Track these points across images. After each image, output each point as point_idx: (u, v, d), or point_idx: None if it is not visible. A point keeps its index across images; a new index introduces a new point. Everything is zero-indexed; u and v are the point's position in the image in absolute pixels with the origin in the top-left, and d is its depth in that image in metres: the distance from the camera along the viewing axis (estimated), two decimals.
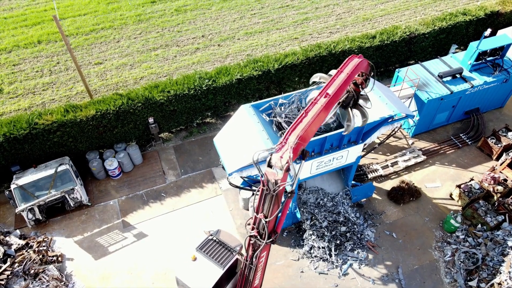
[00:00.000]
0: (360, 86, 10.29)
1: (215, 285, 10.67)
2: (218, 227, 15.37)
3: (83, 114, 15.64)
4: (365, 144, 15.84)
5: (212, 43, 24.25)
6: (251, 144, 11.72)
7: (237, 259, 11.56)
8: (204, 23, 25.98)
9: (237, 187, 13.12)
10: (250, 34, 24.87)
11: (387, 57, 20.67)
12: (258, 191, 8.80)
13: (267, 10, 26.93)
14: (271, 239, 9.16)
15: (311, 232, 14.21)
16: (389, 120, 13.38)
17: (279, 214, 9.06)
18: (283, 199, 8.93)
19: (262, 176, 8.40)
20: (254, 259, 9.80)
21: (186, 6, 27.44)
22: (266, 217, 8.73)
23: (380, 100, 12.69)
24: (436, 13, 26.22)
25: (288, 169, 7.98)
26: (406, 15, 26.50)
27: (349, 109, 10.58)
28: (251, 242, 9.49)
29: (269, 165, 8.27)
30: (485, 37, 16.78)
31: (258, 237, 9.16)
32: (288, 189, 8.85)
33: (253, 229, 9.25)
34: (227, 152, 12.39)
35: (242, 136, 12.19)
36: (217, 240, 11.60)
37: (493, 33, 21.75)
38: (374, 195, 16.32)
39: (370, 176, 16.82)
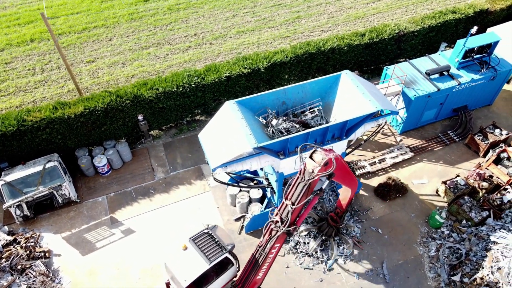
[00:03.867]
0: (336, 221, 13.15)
1: (199, 278, 10.77)
2: (206, 223, 15.48)
3: (72, 111, 15.75)
4: (350, 141, 16.02)
5: (204, 42, 24.35)
6: (234, 139, 11.83)
7: (227, 258, 11.62)
8: (196, 21, 26.08)
9: (222, 183, 13.22)
10: (242, 33, 24.97)
11: (377, 55, 20.78)
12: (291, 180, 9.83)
13: (260, 9, 27.03)
14: (289, 229, 9.71)
15: (302, 225, 14.32)
16: (372, 117, 13.51)
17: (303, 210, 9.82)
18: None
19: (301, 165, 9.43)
20: (268, 245, 10.19)
21: (179, 4, 27.53)
22: (293, 204, 9.37)
23: (363, 97, 12.79)
24: (428, 12, 26.32)
25: (326, 163, 8.95)
26: (398, 13, 26.61)
27: (332, 239, 13.07)
28: (271, 227, 10.04)
29: (311, 158, 9.23)
30: (472, 34, 16.89)
31: (280, 223, 9.68)
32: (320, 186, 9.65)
33: (276, 214, 9.84)
34: (211, 148, 12.50)
35: (225, 132, 12.30)
36: (211, 234, 11.70)
37: (482, 31, 21.90)
38: (361, 192, 16.43)
39: (357, 172, 16.93)
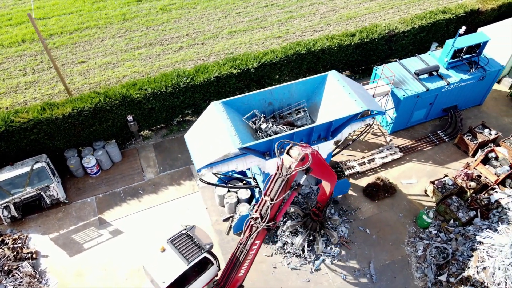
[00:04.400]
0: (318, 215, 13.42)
1: (178, 280, 10.77)
2: (194, 223, 15.48)
3: (60, 112, 15.72)
4: (339, 141, 16.04)
5: (196, 42, 24.35)
6: (219, 140, 11.83)
7: (206, 258, 11.62)
8: (189, 21, 26.08)
9: (208, 183, 13.22)
10: (234, 33, 24.97)
11: (368, 55, 20.80)
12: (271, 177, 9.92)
13: (252, 9, 27.04)
14: (269, 224, 9.83)
15: (284, 229, 14.33)
16: (359, 117, 13.53)
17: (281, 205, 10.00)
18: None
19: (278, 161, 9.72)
20: (248, 241, 10.26)
21: (171, 5, 27.52)
22: (272, 200, 9.59)
23: (349, 97, 12.82)
24: (420, 12, 26.34)
25: (303, 159, 9.19)
26: (390, 13, 26.64)
27: (317, 234, 13.43)
28: (251, 223, 10.14)
29: (288, 154, 9.51)
30: (460, 35, 16.91)
31: (259, 219, 9.81)
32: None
33: (256, 211, 10.01)
34: (197, 148, 12.50)
35: (211, 133, 12.31)
36: (189, 235, 11.71)
37: (473, 31, 21.92)
38: (350, 192, 16.45)
39: (347, 172, 16.95)
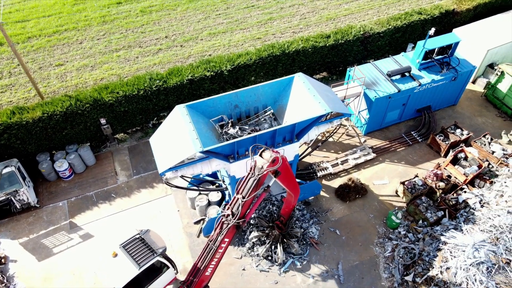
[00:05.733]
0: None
1: (130, 284, 10.78)
2: (165, 226, 15.54)
3: (30, 116, 15.67)
4: (309, 142, 16.12)
5: (175, 44, 24.34)
6: (181, 144, 11.85)
7: (160, 261, 11.62)
8: (168, 23, 26.06)
9: (174, 186, 13.25)
10: (213, 35, 24.99)
11: (344, 56, 20.89)
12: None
13: (232, 11, 27.06)
14: (239, 221, 10.34)
15: (249, 238, 14.46)
16: (325, 119, 13.61)
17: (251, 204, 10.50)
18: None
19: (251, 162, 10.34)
20: (219, 238, 10.64)
21: (151, 7, 27.48)
22: (244, 198, 10.16)
23: (314, 99, 12.87)
24: (399, 13, 26.46)
25: (274, 160, 9.94)
26: (370, 14, 26.76)
27: (279, 244, 14.03)
28: (223, 220, 10.54)
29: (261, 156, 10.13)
30: (430, 36, 17.04)
31: (231, 216, 10.34)
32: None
33: (228, 209, 10.50)
34: (160, 152, 12.51)
35: (174, 136, 12.32)
36: (142, 239, 11.72)
37: (449, 32, 22.05)
38: (322, 193, 16.53)
39: (319, 174, 17.02)
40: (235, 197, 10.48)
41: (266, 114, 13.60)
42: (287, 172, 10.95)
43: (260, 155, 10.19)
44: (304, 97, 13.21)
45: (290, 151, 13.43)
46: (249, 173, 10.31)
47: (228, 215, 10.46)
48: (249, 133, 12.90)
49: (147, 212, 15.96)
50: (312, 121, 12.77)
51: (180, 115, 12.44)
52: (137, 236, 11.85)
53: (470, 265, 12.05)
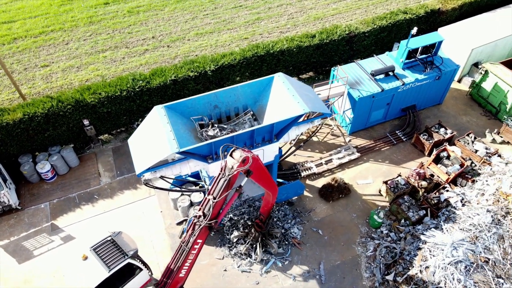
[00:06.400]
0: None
1: (101, 287, 10.71)
2: (148, 227, 15.48)
3: (10, 118, 15.56)
4: (290, 142, 16.09)
5: (162, 44, 24.27)
6: (158, 144, 11.80)
7: (131, 264, 11.56)
8: (156, 24, 25.97)
9: (152, 187, 13.20)
10: (200, 35, 24.93)
11: (329, 56, 20.89)
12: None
13: (220, 11, 27.01)
14: (211, 222, 10.31)
15: (230, 238, 14.42)
16: (304, 118, 13.59)
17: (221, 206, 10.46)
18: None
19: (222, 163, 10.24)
20: (191, 239, 10.56)
21: (139, 7, 27.38)
22: (215, 198, 10.10)
23: (293, 99, 12.84)
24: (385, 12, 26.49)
25: (244, 160, 9.87)
26: (358, 14, 26.78)
27: (258, 244, 13.96)
28: (195, 221, 10.53)
29: (231, 156, 10.05)
30: (413, 35, 17.06)
31: (202, 217, 10.27)
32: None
33: (200, 210, 10.43)
34: (138, 153, 12.45)
35: (152, 137, 12.26)
36: (113, 242, 11.65)
37: (435, 31, 22.10)
38: (305, 193, 16.51)
39: (303, 174, 17.01)
40: (206, 197, 10.41)
41: (246, 116, 13.56)
42: (261, 171, 10.89)
43: (231, 155, 10.06)
44: (283, 97, 13.18)
45: (269, 151, 13.40)
46: (219, 174, 10.21)
47: (200, 216, 10.35)
48: (228, 134, 12.85)
49: (130, 213, 15.89)
50: (290, 121, 12.74)
51: (158, 115, 12.38)
52: (109, 239, 11.77)
53: (448, 264, 12.06)
